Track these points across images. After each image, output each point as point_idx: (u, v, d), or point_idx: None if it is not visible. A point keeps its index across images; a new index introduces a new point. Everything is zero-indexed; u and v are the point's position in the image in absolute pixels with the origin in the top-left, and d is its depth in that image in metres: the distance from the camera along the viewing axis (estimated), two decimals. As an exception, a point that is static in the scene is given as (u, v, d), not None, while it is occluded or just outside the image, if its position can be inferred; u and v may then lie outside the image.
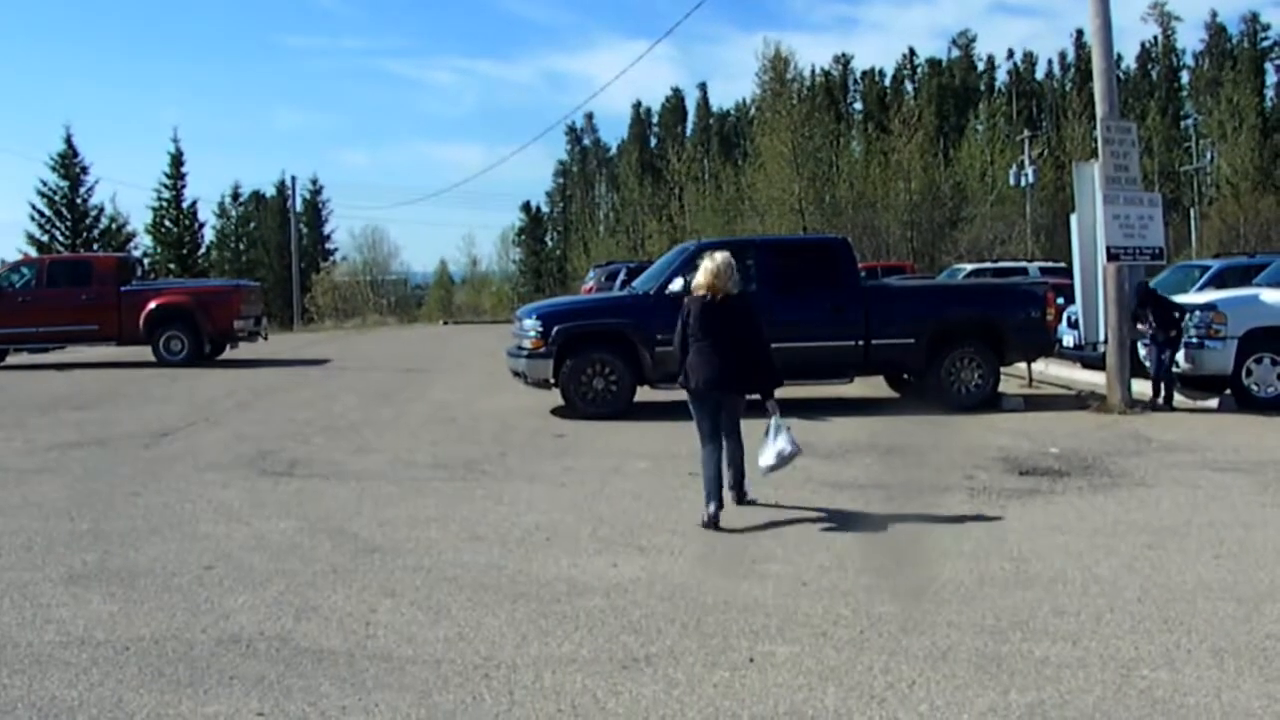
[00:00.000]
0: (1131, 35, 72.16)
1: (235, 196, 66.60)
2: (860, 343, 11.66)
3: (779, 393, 7.02)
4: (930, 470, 8.25)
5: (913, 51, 77.23)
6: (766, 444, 6.83)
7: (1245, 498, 7.23)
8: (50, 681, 4.06)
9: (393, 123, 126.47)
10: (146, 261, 37.30)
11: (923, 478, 8.01)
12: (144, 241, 51.17)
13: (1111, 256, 11.52)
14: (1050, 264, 26.06)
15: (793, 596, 5.07)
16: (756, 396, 6.88)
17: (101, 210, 48.73)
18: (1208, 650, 4.30)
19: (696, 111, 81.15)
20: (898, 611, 4.81)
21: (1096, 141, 12.08)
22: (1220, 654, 4.25)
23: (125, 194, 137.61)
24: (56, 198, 47.65)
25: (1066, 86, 68.47)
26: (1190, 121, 66.94)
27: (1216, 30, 69.51)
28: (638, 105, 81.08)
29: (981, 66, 76.46)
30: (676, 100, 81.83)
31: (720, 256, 6.91)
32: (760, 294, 11.23)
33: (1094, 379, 13.19)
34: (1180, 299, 12.33)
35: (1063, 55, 74.56)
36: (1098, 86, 12.04)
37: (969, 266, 27.25)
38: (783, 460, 6.82)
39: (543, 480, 8.01)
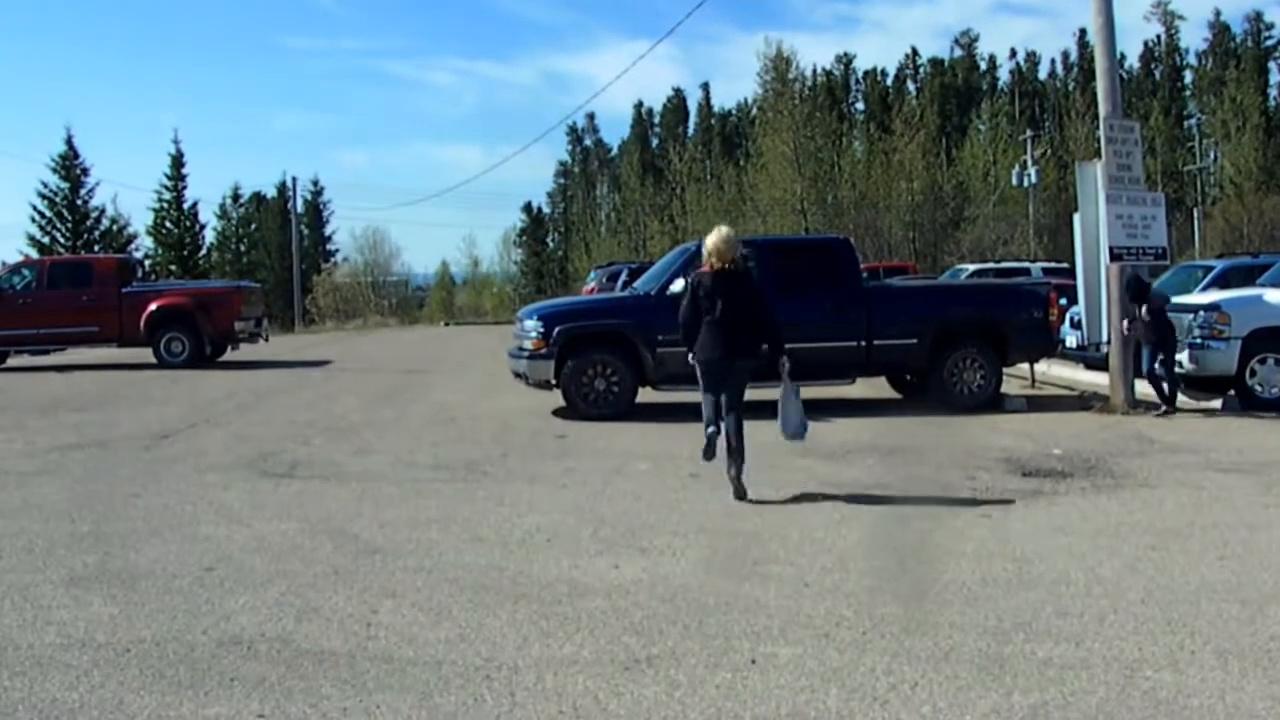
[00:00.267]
0: (1134, 34, 71.99)
1: (236, 198, 66.49)
2: (862, 343, 11.64)
3: (777, 393, 7.43)
4: (933, 471, 8.23)
5: (915, 51, 77.20)
6: (784, 410, 7.43)
7: (1249, 499, 7.21)
8: (51, 684, 4.05)
9: (393, 123, 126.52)
10: (147, 263, 37.14)
11: (925, 479, 7.98)
12: (145, 243, 51.26)
13: (1114, 257, 11.50)
14: (1053, 264, 26.08)
15: (795, 598, 5.05)
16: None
17: (102, 212, 48.81)
18: (1212, 652, 4.28)
19: (698, 112, 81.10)
20: (900, 613, 4.79)
21: (1099, 141, 12.08)
22: (1224, 655, 4.23)
23: (126, 195, 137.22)
24: (57, 199, 47.59)
25: (1069, 86, 68.39)
26: (1194, 121, 66.81)
27: (1220, 29, 69.30)
28: (639, 105, 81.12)
29: (984, 66, 76.35)
30: (678, 100, 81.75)
31: (724, 229, 7.49)
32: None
33: (1097, 380, 13.17)
34: (1184, 299, 12.30)
35: (1065, 54, 74.52)
36: (1100, 86, 12.03)
37: (971, 267, 27.26)
38: (803, 425, 7.47)
39: (544, 481, 7.99)
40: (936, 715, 3.71)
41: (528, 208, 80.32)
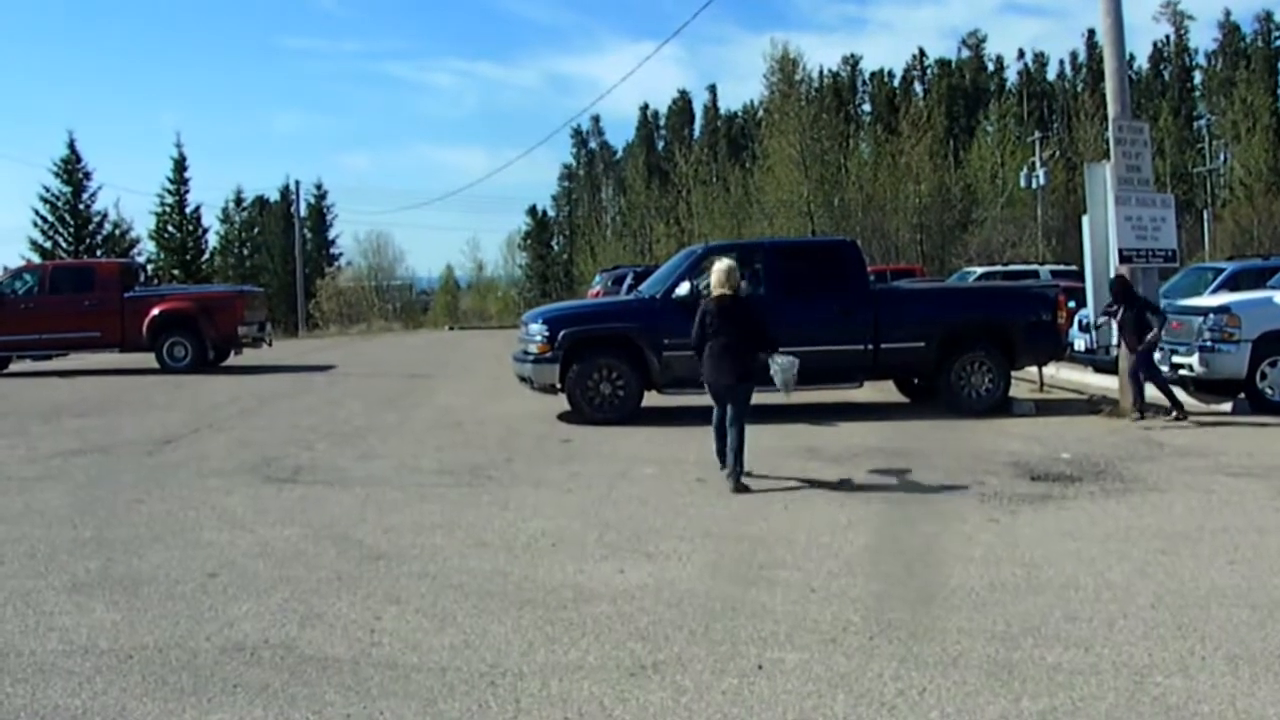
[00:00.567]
0: (1144, 35, 72.16)
1: (239, 201, 66.44)
2: (869, 347, 11.59)
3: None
4: (941, 475, 8.19)
5: (922, 52, 77.10)
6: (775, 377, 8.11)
7: (1259, 503, 7.16)
8: (53, 690, 4.05)
9: (395, 126, 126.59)
10: (150, 267, 37.13)
11: (933, 483, 7.94)
12: (147, 247, 51.21)
13: (1124, 259, 11.44)
14: (1062, 267, 25.95)
15: (801, 603, 5.03)
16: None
17: (105, 216, 48.68)
18: (1222, 657, 4.25)
19: (704, 113, 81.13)
20: (908, 618, 4.77)
21: (1108, 142, 12.01)
22: (1235, 661, 4.20)
23: (128, 200, 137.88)
24: (59, 204, 47.53)
25: (1078, 87, 68.25)
26: (1203, 122, 66.57)
27: (1230, 29, 69.12)
28: (645, 108, 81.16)
29: (992, 67, 76.26)
30: (684, 102, 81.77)
31: (724, 262, 8.22)
32: (768, 297, 11.25)
33: (1106, 383, 13.11)
34: (1194, 302, 12.24)
35: (1074, 55, 74.44)
36: (1109, 86, 11.98)
37: (979, 269, 27.17)
38: (785, 371, 8.04)
39: (549, 486, 7.98)
40: (944, 722, 3.68)
41: (532, 211, 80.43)
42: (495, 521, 6.80)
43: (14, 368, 18.71)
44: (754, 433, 8.79)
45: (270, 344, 20.56)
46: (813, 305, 11.55)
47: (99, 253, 45.01)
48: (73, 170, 47.73)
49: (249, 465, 8.94)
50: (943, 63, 75.82)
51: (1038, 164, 45.97)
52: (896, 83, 75.40)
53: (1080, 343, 14.14)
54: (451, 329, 42.83)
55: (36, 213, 47.29)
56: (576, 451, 9.52)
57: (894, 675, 4.09)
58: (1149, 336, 10.89)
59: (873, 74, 77.02)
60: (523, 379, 11.79)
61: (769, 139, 50.96)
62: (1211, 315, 11.55)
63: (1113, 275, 11.38)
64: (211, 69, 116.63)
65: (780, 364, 8.06)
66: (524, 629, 4.69)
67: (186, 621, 4.83)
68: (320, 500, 7.52)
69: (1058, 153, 52.77)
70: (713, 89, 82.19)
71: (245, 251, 65.60)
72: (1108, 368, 13.02)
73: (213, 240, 59.27)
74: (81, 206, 47.86)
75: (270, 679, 4.13)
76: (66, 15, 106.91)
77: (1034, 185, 45.16)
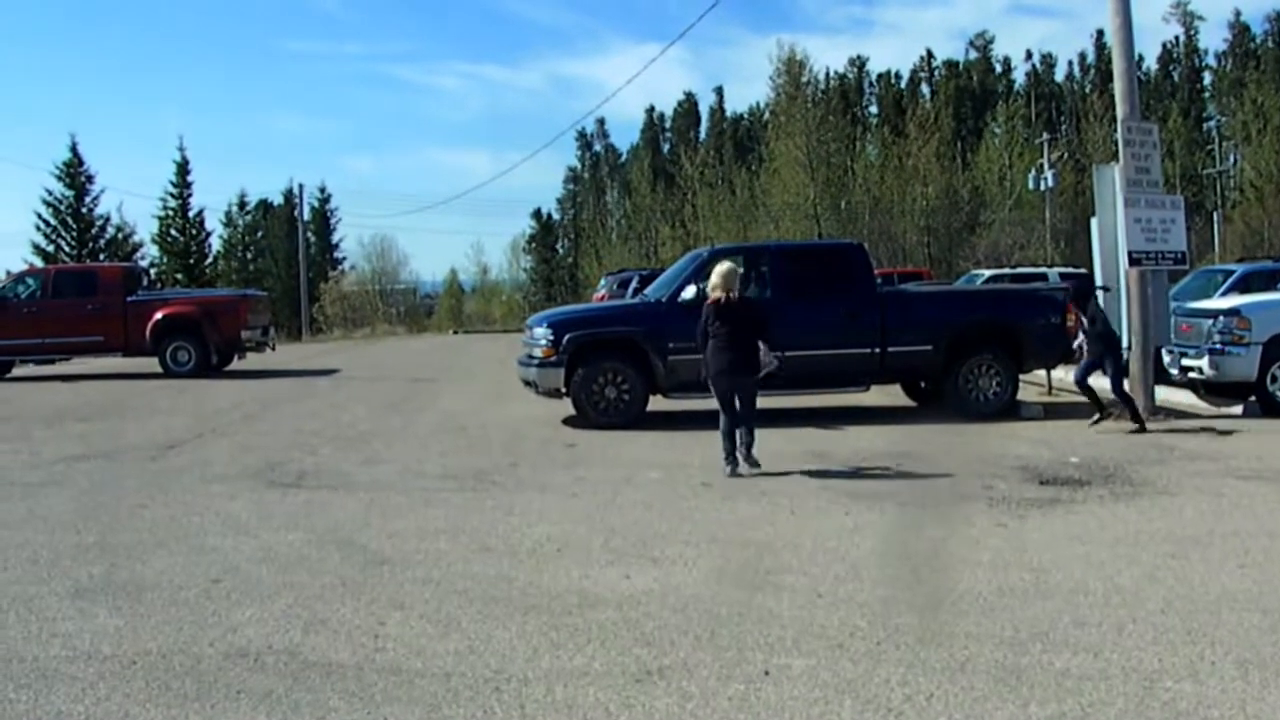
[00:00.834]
0: (1153, 35, 71.65)
1: (242, 205, 66.38)
2: (876, 350, 11.55)
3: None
4: (948, 479, 8.17)
5: (930, 53, 77.02)
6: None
7: (1270, 506, 7.12)
8: (56, 696, 4.03)
9: (399, 129, 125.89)
10: (153, 271, 36.92)
11: (941, 487, 7.92)
12: (150, 251, 51.13)
13: (1133, 261, 11.39)
14: (1071, 269, 25.84)
15: (808, 608, 5.01)
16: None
17: (107, 220, 48.67)
18: (1232, 662, 4.22)
19: (710, 116, 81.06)
20: (915, 623, 4.74)
21: (1117, 144, 11.97)
22: (1245, 666, 4.17)
23: (131, 203, 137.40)
24: (62, 207, 47.46)
25: (1086, 88, 68.07)
26: (1213, 123, 66.32)
27: (1240, 30, 68.92)
28: (651, 110, 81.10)
29: (999, 68, 76.14)
30: (690, 104, 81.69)
31: (725, 264, 8.83)
32: (774, 301, 11.22)
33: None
34: (1203, 304, 12.18)
35: (1082, 56, 74.22)
36: (1118, 87, 11.93)
37: (987, 272, 27.08)
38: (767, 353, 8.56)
39: (554, 491, 7.96)
40: (952, 729, 3.66)
41: (537, 214, 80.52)
42: (500, 527, 6.78)
43: (17, 372, 18.76)
44: (761, 436, 9.05)
45: (274, 348, 20.54)
46: (819, 308, 11.53)
47: (102, 257, 45.00)
48: (75, 174, 47.70)
49: (252, 470, 8.94)
50: (950, 64, 75.73)
51: (1046, 166, 45.85)
52: (903, 84, 75.27)
53: (1089, 345, 14.06)
54: (456, 333, 42.88)
55: (39, 216, 47.36)
56: (581, 456, 9.50)
57: (901, 681, 4.06)
58: (1078, 343, 10.83)
59: (879, 76, 77.04)
60: (527, 383, 11.78)
61: (775, 141, 50.91)
62: (1221, 318, 11.50)
63: (1074, 281, 11.26)
64: (215, 72, 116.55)
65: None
66: (529, 635, 4.67)
67: (190, 627, 4.82)
68: (324, 505, 7.52)
69: (1066, 154, 52.63)
70: (719, 91, 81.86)
71: (249, 255, 65.58)
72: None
73: (216, 244, 59.34)
74: (84, 210, 47.86)
75: (274, 685, 4.11)
76: (68, 18, 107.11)
77: (1042, 187, 45.04)
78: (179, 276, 49.35)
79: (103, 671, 4.28)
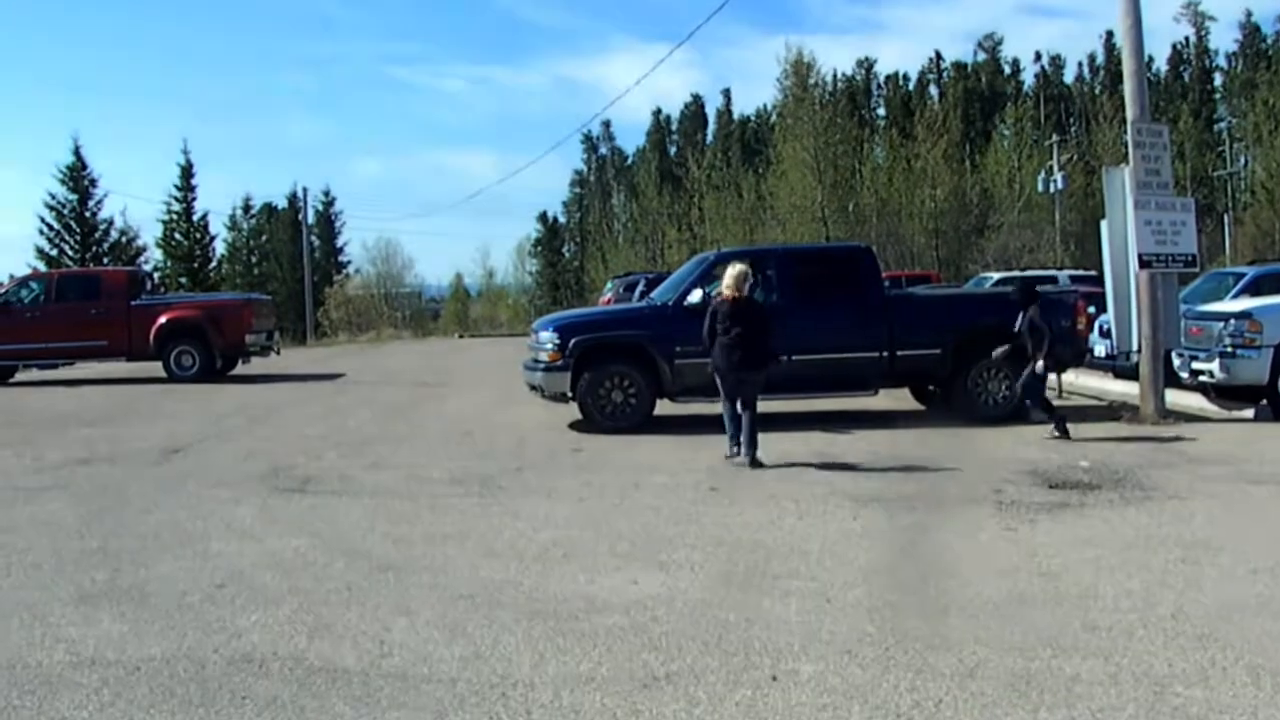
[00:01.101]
0: (1163, 36, 71.58)
1: (246, 209, 66.51)
2: (884, 353, 11.50)
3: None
4: (957, 484, 8.13)
5: (939, 55, 76.85)
6: None
7: (1282, 510, 7.07)
8: (60, 702, 4.03)
9: (404, 131, 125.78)
10: (157, 275, 36.79)
11: (950, 491, 7.87)
12: (154, 255, 50.86)
13: (1143, 264, 11.32)
14: (1081, 272, 25.79)
15: (816, 613, 4.98)
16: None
17: (111, 223, 48.36)
18: (1244, 668, 4.19)
19: (717, 118, 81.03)
20: (924, 628, 4.71)
21: (1127, 145, 11.90)
22: (1256, 671, 4.14)
23: (135, 207, 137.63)
24: (65, 211, 47.20)
25: (1096, 89, 67.82)
26: (1224, 125, 65.98)
27: (1251, 30, 68.54)
28: (658, 112, 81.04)
29: (1008, 70, 75.96)
30: (696, 106, 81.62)
31: (738, 266, 9.21)
32: (782, 304, 11.19)
33: (1126, 389, 12.99)
34: (1214, 307, 12.11)
35: (1092, 57, 74.04)
36: (1128, 89, 11.88)
37: (997, 275, 27.00)
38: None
39: (560, 495, 7.93)
40: (961, 736, 3.64)
41: (543, 217, 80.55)
42: (506, 532, 6.76)
43: (20, 377, 18.65)
44: (768, 440, 9.13)
45: (278, 352, 20.48)
46: (827, 312, 11.48)
47: (105, 261, 44.91)
48: (79, 177, 47.48)
49: (257, 475, 8.93)
50: (959, 65, 75.50)
51: (1055, 168, 45.72)
52: (911, 86, 75.18)
53: (1100, 349, 14.02)
54: (461, 337, 42.84)
55: (42, 220, 47.07)
56: (588, 461, 9.48)
57: (910, 687, 4.04)
58: (999, 350, 10.56)
59: (888, 77, 76.89)
60: (533, 387, 11.75)
61: (782, 143, 50.84)
62: (1232, 321, 11.42)
63: (1018, 283, 11.04)
64: (219, 74, 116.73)
65: None
66: (535, 640, 4.65)
67: (194, 633, 4.81)
68: (329, 510, 7.50)
69: (1076, 156, 52.42)
70: (726, 93, 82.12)
71: (253, 259, 65.63)
72: (1128, 373, 12.89)
73: (220, 248, 59.20)
74: (88, 214, 47.58)
75: (279, 691, 4.10)
76: (73, 21, 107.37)
77: (1052, 189, 44.90)
78: (183, 280, 49.27)
79: (106, 678, 4.27)
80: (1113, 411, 12.00)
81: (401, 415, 13.24)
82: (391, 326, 48.33)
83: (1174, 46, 71.82)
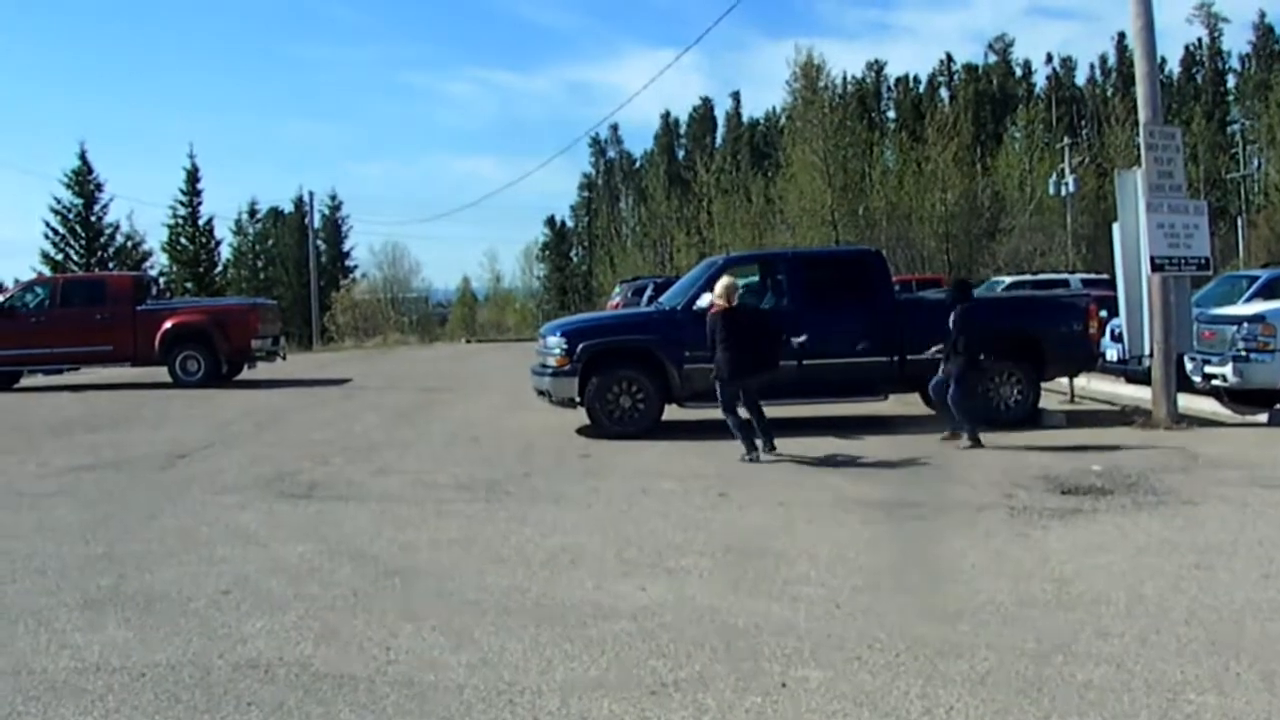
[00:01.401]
0: (1175, 37, 71.30)
1: (252, 213, 66.33)
2: (894, 358, 11.45)
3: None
4: (968, 489, 8.07)
5: (949, 57, 76.78)
6: None
7: (1297, 515, 7.00)
8: (65, 709, 4.03)
9: (411, 135, 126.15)
10: (162, 280, 36.87)
11: (960, 496, 7.83)
12: (160, 260, 51.03)
13: (1156, 267, 11.24)
14: (1092, 275, 25.68)
15: (826, 619, 4.95)
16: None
17: (117, 228, 48.47)
18: (1258, 674, 4.15)
19: (726, 121, 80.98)
20: (935, 634, 4.68)
21: (1139, 148, 11.84)
22: (1271, 677, 4.10)
23: (141, 211, 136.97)
24: (71, 215, 47.30)
25: (1108, 91, 67.69)
26: (1237, 126, 65.63)
27: (1264, 31, 68.25)
28: (666, 115, 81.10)
29: (1019, 72, 75.83)
30: (705, 110, 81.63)
31: (724, 279, 9.83)
32: (791, 309, 11.16)
33: (1139, 394, 12.91)
34: (1227, 310, 12.02)
35: (1103, 59, 73.91)
36: (1140, 91, 11.81)
37: (1008, 279, 26.94)
38: None
39: (568, 501, 7.91)
40: (972, 744, 3.60)
41: (550, 221, 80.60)
42: (513, 537, 6.74)
43: (25, 382, 18.60)
44: (778, 444, 9.16)
45: (284, 358, 20.43)
46: (837, 316, 11.43)
47: (111, 265, 44.99)
48: (84, 182, 47.55)
49: (263, 480, 8.93)
50: (969, 68, 75.50)
51: (1067, 170, 45.61)
52: (922, 89, 75.14)
53: (1112, 353, 13.94)
54: (468, 341, 42.84)
55: (48, 225, 47.18)
56: (596, 466, 9.45)
57: (920, 693, 4.01)
58: (931, 350, 10.39)
59: (898, 80, 76.89)
60: (541, 392, 11.73)
61: (792, 147, 50.79)
62: (1246, 324, 11.35)
63: (953, 280, 10.80)
64: (225, 79, 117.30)
65: None
66: (542, 646, 4.63)
67: (200, 639, 4.80)
68: (335, 516, 7.50)
69: (1087, 159, 52.28)
70: (736, 96, 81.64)
71: (259, 264, 65.56)
72: (1140, 378, 12.82)
73: (226, 252, 59.36)
74: (93, 218, 47.66)
75: (284, 697, 4.09)
76: (78, 25, 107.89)
77: (1063, 192, 44.79)
78: (188, 285, 49.39)
79: (111, 684, 4.26)
80: (1125, 416, 11.92)
81: (408, 420, 13.23)
82: (398, 331, 48.15)
83: (1187, 48, 71.72)
